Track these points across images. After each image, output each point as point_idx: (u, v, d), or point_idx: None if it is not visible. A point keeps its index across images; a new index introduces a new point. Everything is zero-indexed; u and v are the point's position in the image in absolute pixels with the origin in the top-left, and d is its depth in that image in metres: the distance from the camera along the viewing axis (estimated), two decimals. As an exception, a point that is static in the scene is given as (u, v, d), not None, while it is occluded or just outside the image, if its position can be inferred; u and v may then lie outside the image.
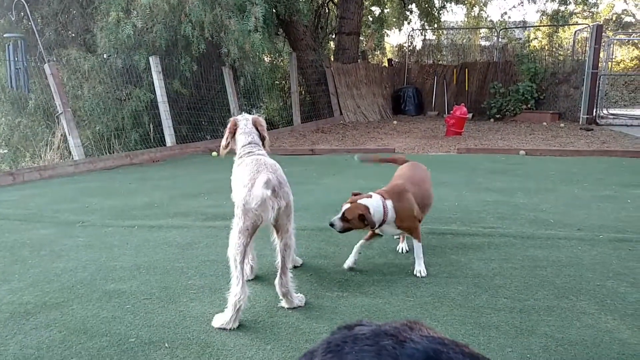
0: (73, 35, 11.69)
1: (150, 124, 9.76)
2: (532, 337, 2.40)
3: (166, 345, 2.40)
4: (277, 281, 2.76)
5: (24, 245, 4.07)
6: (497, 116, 14.68)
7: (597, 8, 25.50)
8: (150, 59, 9.45)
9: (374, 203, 3.05)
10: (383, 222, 3.09)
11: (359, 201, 3.05)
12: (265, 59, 13.43)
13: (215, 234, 4.25)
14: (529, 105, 14.41)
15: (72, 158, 8.20)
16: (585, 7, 23.81)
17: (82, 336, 2.50)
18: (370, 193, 3.14)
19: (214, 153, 9.26)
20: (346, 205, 3.06)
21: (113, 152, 9.10)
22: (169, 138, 9.61)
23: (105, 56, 9.67)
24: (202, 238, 4.16)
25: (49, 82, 8.13)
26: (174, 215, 4.96)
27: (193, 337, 2.47)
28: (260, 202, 2.56)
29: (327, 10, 17.62)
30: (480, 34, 22.87)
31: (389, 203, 3.10)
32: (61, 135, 8.49)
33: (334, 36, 17.31)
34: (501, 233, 4.04)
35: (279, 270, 2.77)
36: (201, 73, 10.55)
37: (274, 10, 11.34)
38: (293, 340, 2.43)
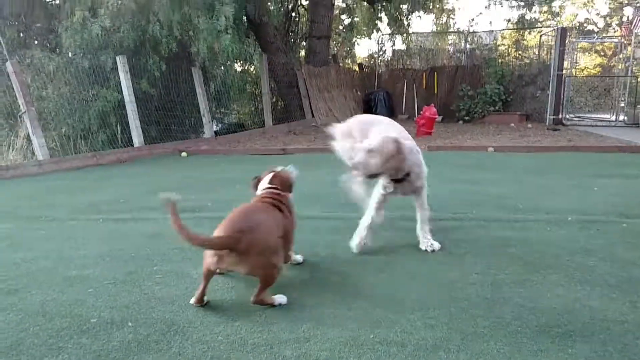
0: (37, 35, 11.41)
1: (118, 125, 9.57)
2: (504, 307, 2.40)
3: (129, 324, 2.31)
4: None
5: (-18, 239, 3.90)
6: (466, 118, 14.90)
7: (561, 17, 26.30)
8: (117, 58, 9.27)
9: None
10: None
11: None
12: (236, 64, 13.39)
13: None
14: (496, 107, 14.69)
15: (36, 158, 7.96)
16: (549, 16, 24.53)
17: (41, 319, 2.38)
18: None
19: (184, 153, 9.13)
20: None
21: (79, 153, 8.87)
22: (137, 139, 9.42)
23: (70, 55, 9.45)
24: (168, 229, 3.98)
25: (12, 80, 7.88)
26: (141, 209, 4.84)
27: (158, 317, 2.39)
28: None
29: (297, 14, 17.65)
30: (449, 40, 23.25)
31: None
32: (24, 135, 8.23)
33: (304, 41, 17.33)
34: (471, 217, 4.06)
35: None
36: (170, 74, 10.41)
37: (244, 11, 11.28)
38: (263, 316, 2.37)
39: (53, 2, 11.55)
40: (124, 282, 2.85)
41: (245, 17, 12.01)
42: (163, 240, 3.70)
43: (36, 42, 11.52)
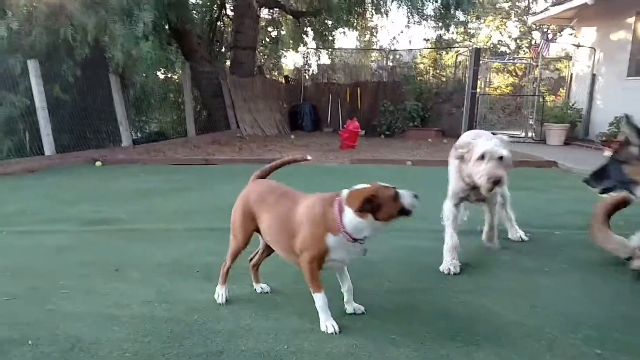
0: None
1: (26, 132, 8.99)
2: (414, 314, 2.49)
3: (29, 342, 2.17)
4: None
5: None
6: (387, 133, 15.35)
7: (476, 38, 27.93)
8: (29, 62, 8.72)
9: None
10: None
11: None
12: (158, 71, 13.03)
13: (93, 237, 3.98)
14: (415, 123, 15.25)
15: None
16: (466, 37, 25.98)
17: None
18: None
19: (98, 162, 8.73)
20: None
21: (-19, 162, 8.23)
22: (48, 147, 8.89)
23: (-27, 58, 8.80)
24: (78, 242, 3.86)
25: None
26: (49, 221, 4.58)
27: (61, 334, 2.26)
28: None
29: (222, 24, 17.50)
30: (371, 57, 23.98)
31: None
32: None
33: (230, 51, 17.19)
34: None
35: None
36: (86, 80, 9.94)
37: (165, 18, 11.00)
38: (174, 332, 2.31)
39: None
40: (26, 298, 2.69)
41: (167, 24, 11.73)
42: (71, 254, 3.53)
43: None
